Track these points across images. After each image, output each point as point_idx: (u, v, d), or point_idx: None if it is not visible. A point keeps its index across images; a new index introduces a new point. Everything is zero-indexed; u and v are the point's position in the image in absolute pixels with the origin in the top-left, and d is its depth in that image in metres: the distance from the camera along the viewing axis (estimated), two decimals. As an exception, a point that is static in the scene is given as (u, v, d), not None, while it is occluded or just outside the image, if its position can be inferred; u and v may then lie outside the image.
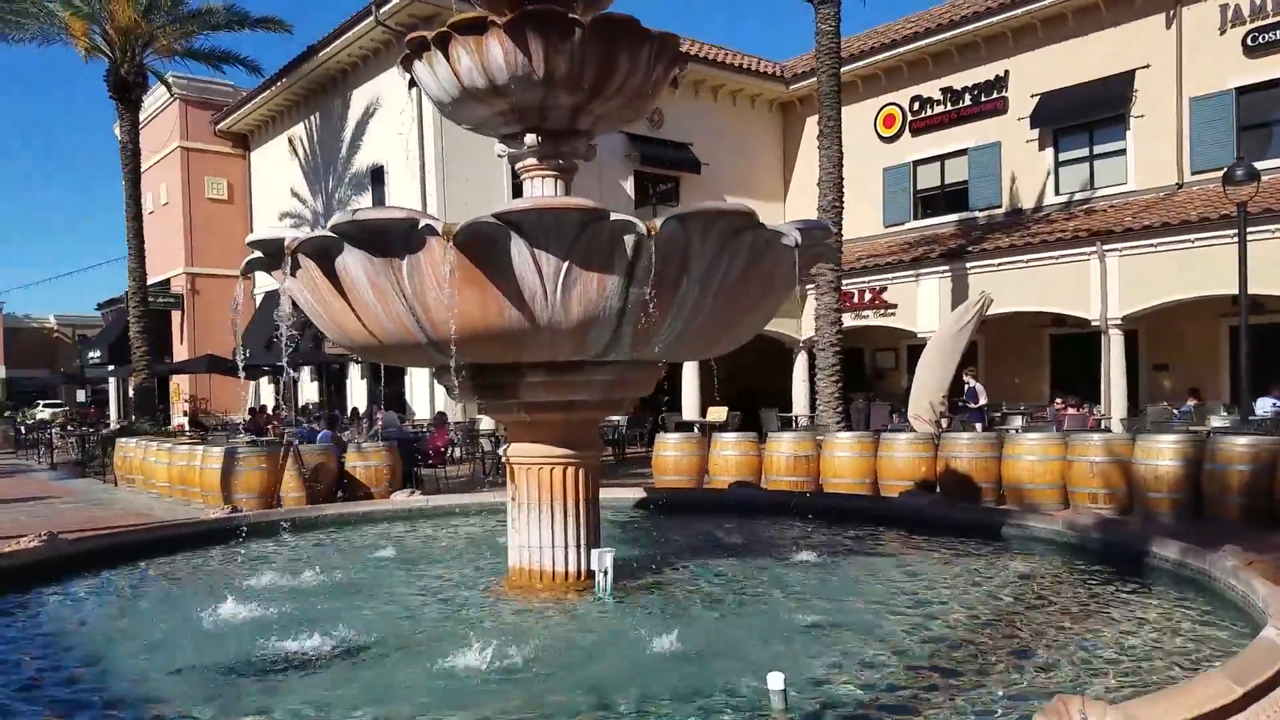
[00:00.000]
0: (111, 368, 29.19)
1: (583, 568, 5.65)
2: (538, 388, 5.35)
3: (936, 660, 4.19)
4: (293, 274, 5.03)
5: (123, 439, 15.88)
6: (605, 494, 9.15)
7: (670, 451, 12.62)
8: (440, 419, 16.90)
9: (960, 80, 22.07)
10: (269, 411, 23.53)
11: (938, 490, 11.84)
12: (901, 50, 22.57)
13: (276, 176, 27.03)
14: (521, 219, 4.42)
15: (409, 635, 4.71)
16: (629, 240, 4.47)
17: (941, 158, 22.79)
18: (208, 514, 7.85)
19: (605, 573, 5.45)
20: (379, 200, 21.98)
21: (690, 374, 21.34)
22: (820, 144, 15.89)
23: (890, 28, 24.12)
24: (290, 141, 26.04)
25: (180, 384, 27.84)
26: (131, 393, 21.98)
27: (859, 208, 23.76)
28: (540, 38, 5.17)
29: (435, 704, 3.72)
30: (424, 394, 20.38)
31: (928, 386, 14.32)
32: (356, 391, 23.74)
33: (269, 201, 27.46)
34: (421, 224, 4.44)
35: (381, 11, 19.66)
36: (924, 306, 20.40)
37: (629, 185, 22.83)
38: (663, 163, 23.36)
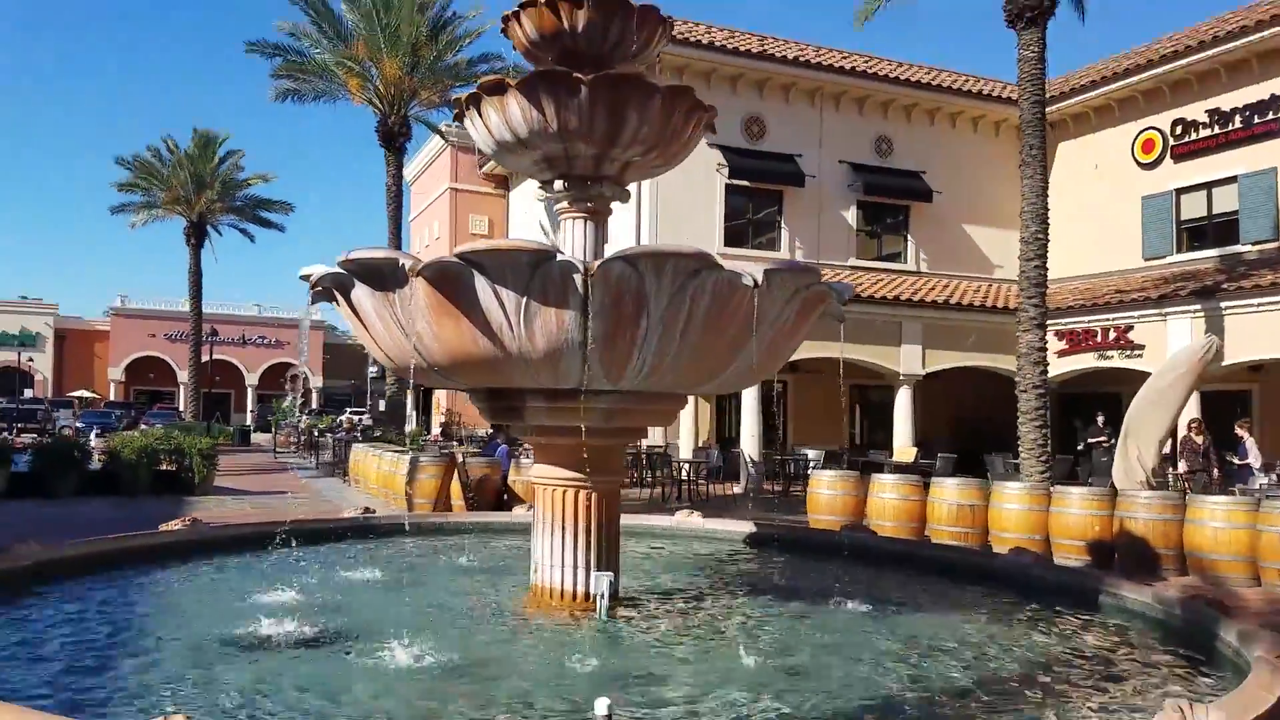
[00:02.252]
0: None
1: (590, 589, 5.90)
2: (539, 413, 5.70)
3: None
4: (334, 303, 5.77)
5: (356, 445, 17.90)
6: (721, 526, 9.34)
7: (824, 490, 12.31)
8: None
9: (1229, 101, 19.84)
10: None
11: (1114, 556, 10.75)
12: (1160, 70, 20.67)
13: (531, 212, 29.24)
14: (481, 258, 4.82)
15: (391, 630, 5.15)
16: (577, 279, 4.74)
17: (1208, 185, 20.56)
18: (344, 514, 8.85)
19: (601, 596, 5.69)
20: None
21: (903, 411, 20.58)
22: (1022, 173, 15.04)
23: (1148, 47, 22.21)
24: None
25: (440, 398, 30.72)
26: (383, 405, 24.64)
27: (1112, 239, 22.03)
28: (550, 95, 5.57)
29: (326, 686, 4.22)
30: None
31: (1137, 440, 12.94)
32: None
33: (522, 236, 29.74)
34: (401, 262, 4.98)
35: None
36: (1174, 349, 18.43)
37: (851, 215, 22.52)
38: (890, 192, 22.85)
